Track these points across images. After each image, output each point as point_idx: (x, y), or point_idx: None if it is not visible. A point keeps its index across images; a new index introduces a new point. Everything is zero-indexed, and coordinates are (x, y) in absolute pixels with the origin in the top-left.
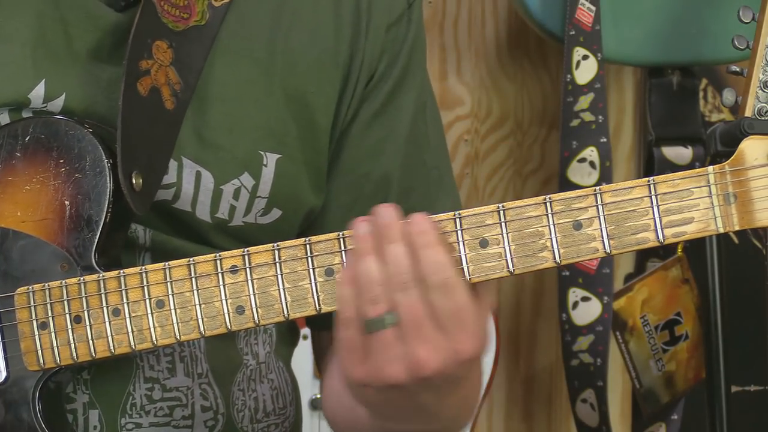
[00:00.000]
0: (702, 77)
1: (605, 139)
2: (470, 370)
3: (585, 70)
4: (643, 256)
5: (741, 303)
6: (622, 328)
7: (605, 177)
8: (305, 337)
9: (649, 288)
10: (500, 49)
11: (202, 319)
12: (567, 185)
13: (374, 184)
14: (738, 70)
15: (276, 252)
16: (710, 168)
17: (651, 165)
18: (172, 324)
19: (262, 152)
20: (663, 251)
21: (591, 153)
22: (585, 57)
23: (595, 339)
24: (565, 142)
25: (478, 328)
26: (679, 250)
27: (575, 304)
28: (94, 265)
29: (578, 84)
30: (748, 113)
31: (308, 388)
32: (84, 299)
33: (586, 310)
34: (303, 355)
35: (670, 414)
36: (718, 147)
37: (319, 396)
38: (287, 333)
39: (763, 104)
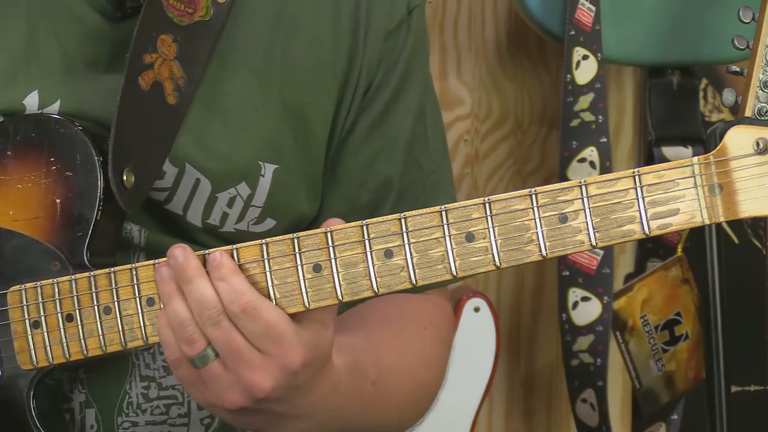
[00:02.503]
0: (702, 77)
1: (605, 139)
2: (316, 373)
3: (585, 70)
4: (643, 256)
5: (741, 303)
6: (622, 328)
7: None
8: None
9: (649, 288)
10: (500, 49)
11: None
12: None
13: (371, 192)
14: (738, 70)
15: (264, 248)
16: (695, 159)
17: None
18: None
19: (260, 162)
20: (663, 251)
21: (591, 153)
22: (585, 57)
23: (595, 339)
24: (565, 142)
25: (302, 336)
26: (679, 250)
27: (575, 304)
28: (86, 263)
29: (578, 84)
30: (748, 113)
31: None
32: (75, 298)
33: (586, 310)
34: None
35: (670, 414)
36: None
37: None
38: None
39: (763, 104)
